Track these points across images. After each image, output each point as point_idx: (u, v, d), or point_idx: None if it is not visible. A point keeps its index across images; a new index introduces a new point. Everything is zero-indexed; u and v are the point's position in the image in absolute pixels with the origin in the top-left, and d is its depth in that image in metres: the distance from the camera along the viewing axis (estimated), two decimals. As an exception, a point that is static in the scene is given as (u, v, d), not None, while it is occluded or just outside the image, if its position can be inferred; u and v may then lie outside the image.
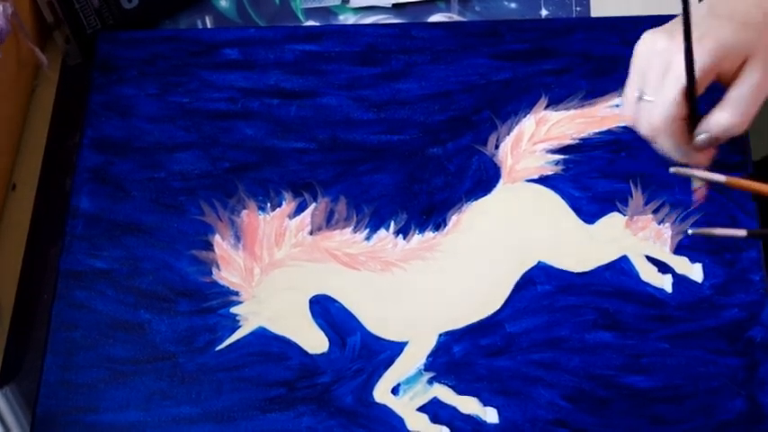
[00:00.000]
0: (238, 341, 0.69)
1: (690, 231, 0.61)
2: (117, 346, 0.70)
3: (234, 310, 0.70)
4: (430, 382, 0.67)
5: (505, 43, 0.78)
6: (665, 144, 0.62)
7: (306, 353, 0.69)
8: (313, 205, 0.74)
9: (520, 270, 0.70)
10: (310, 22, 0.85)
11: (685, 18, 0.56)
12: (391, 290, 0.70)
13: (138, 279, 0.72)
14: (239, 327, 0.70)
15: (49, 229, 0.77)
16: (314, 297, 0.71)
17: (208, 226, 0.73)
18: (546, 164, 0.74)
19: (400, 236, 0.72)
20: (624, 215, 0.71)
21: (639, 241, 0.70)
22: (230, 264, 0.72)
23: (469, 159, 0.74)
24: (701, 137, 0.61)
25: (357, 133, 0.76)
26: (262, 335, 0.69)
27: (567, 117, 0.75)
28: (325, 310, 0.70)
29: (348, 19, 0.85)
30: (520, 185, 0.73)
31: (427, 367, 0.68)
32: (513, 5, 0.84)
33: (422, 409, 0.67)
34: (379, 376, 0.68)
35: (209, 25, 0.86)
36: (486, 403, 0.66)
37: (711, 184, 0.62)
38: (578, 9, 0.82)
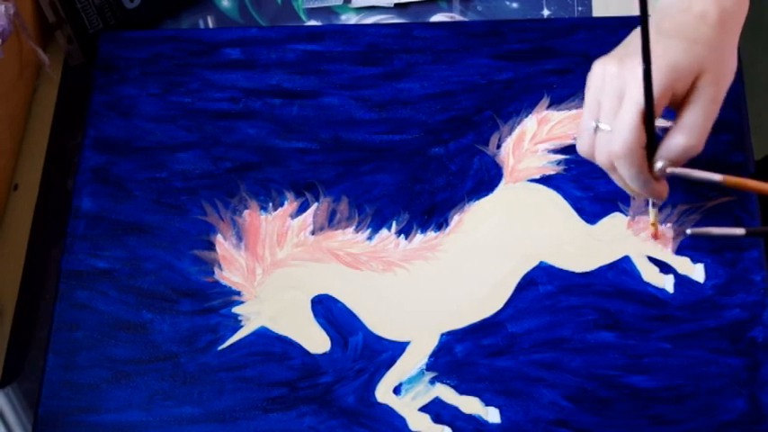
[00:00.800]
0: (240, 341, 0.69)
1: (689, 232, 0.61)
2: (119, 346, 0.70)
3: (236, 310, 0.70)
4: (432, 382, 0.67)
5: (507, 43, 0.78)
6: (625, 173, 0.61)
7: (308, 353, 0.69)
8: (315, 205, 0.74)
9: (521, 270, 0.70)
10: (312, 22, 0.85)
11: (644, 41, 0.56)
12: (393, 290, 0.70)
13: (140, 279, 0.72)
14: (241, 327, 0.70)
15: (50, 230, 0.77)
16: (316, 297, 0.71)
17: (210, 226, 0.73)
18: (548, 164, 0.74)
19: (402, 236, 0.72)
20: (626, 215, 0.71)
21: (641, 241, 0.70)
22: (232, 264, 0.72)
23: (471, 159, 0.74)
24: (659, 163, 0.61)
25: (359, 133, 0.76)
26: (264, 335, 0.69)
27: (569, 117, 0.75)
28: (326, 309, 0.70)
29: (350, 19, 0.85)
30: (522, 185, 0.73)
31: (429, 367, 0.68)
32: (514, 5, 0.84)
33: (424, 409, 0.67)
34: (381, 376, 0.68)
35: (210, 25, 0.86)
36: (487, 403, 0.66)
37: (710, 186, 0.62)
38: (580, 9, 0.82)
